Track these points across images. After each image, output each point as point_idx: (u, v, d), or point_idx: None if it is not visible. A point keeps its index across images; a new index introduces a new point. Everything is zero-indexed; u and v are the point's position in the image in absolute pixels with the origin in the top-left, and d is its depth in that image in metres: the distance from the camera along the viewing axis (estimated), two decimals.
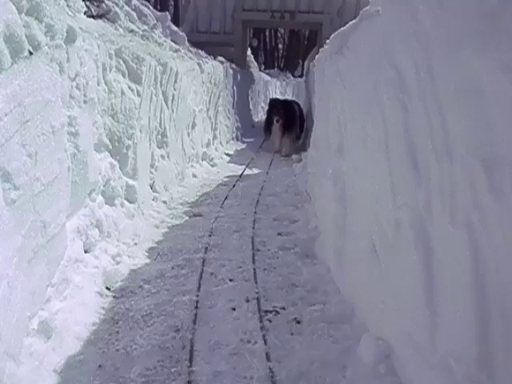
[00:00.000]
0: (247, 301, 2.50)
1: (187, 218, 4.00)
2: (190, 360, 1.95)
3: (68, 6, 3.12)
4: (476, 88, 1.42)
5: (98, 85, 2.90)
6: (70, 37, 2.20)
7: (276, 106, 8.07)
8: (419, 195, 1.78)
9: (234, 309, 2.42)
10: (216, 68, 7.22)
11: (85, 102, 2.51)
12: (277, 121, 7.69)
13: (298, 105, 8.71)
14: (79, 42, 2.39)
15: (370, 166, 2.32)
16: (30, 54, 1.79)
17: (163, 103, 4.37)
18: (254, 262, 3.05)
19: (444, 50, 1.62)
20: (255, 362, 1.97)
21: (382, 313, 2.01)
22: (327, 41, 4.13)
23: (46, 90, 1.91)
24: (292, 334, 2.20)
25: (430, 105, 1.70)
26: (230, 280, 2.77)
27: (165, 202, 4.25)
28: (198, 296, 2.52)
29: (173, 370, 1.88)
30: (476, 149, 1.43)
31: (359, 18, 2.76)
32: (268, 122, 8.15)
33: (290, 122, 7.81)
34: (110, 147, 3.21)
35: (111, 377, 1.81)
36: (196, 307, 2.40)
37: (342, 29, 3.29)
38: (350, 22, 3.09)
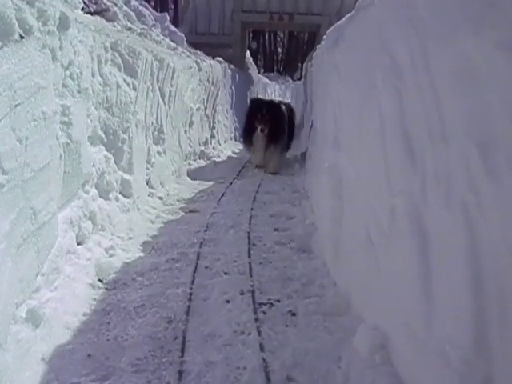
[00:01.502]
0: (242, 293, 2.47)
1: (183, 213, 3.97)
2: (182, 350, 1.92)
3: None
4: (471, 69, 1.40)
5: (93, 77, 2.87)
6: (63, 24, 2.17)
7: (260, 109, 5.95)
8: (414, 181, 1.75)
9: (228, 301, 2.38)
10: (214, 67, 7.21)
11: (78, 92, 2.49)
12: (261, 130, 5.77)
13: (289, 106, 6.87)
14: (73, 31, 2.36)
15: (366, 156, 2.30)
16: (21, 38, 1.76)
17: (160, 99, 4.35)
18: (249, 256, 3.02)
19: (439, 34, 1.61)
20: (248, 352, 1.94)
21: (378, 303, 1.99)
22: (324, 37, 4.13)
23: (38, 75, 1.88)
24: (287, 326, 2.17)
25: (426, 90, 1.69)
26: (225, 273, 2.74)
27: (161, 198, 4.23)
28: (191, 288, 2.49)
29: (164, 360, 1.85)
30: (471, 131, 1.40)
31: (355, 10, 2.75)
32: (248, 130, 6.10)
33: (277, 130, 5.90)
34: (105, 140, 3.18)
35: (101, 366, 1.78)
36: (189, 299, 2.37)
37: (339, 22, 3.28)
38: (347, 15, 3.08)
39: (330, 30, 3.66)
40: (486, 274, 1.34)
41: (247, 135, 6.17)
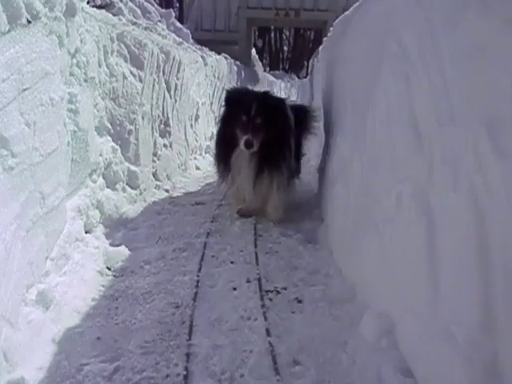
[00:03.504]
0: (248, 281, 2.48)
1: (189, 206, 3.99)
2: (190, 334, 1.94)
3: None
4: (479, 48, 1.39)
5: (100, 67, 2.89)
6: (70, 10, 2.19)
7: (244, 106, 3.11)
8: (421, 166, 1.75)
9: (234, 288, 2.40)
10: (220, 62, 7.22)
11: (85, 80, 2.51)
12: (247, 144, 3.04)
13: (301, 109, 3.78)
14: (79, 19, 2.38)
15: (372, 144, 2.30)
16: (29, 22, 1.78)
17: (166, 92, 4.37)
18: (255, 247, 3.03)
19: (447, 15, 1.60)
20: (255, 337, 1.95)
21: (384, 288, 1.99)
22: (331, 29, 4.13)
23: (45, 60, 1.90)
24: (293, 313, 2.18)
25: (434, 73, 1.68)
26: (232, 262, 2.75)
27: (167, 191, 4.25)
28: (198, 276, 2.51)
29: (172, 343, 1.86)
30: (479, 110, 1.40)
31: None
32: (223, 144, 3.34)
33: (278, 145, 3.20)
34: (112, 131, 3.20)
35: (109, 348, 1.80)
36: (196, 286, 2.39)
37: (346, 13, 3.28)
38: (354, 5, 3.08)
39: (337, 21, 3.65)
40: (494, 254, 1.34)
41: (221, 153, 3.33)
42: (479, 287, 1.36)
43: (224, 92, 3.39)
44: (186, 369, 1.70)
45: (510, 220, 1.27)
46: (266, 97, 3.27)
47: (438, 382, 1.53)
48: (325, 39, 4.69)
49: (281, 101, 3.34)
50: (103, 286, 2.32)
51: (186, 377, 1.66)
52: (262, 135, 3.11)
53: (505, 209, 1.29)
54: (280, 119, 3.22)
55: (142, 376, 1.65)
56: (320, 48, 5.21)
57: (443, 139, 1.61)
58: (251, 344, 1.89)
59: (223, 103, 3.41)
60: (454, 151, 1.53)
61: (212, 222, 3.53)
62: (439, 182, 1.63)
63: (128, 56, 3.42)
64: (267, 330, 2.00)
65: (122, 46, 3.34)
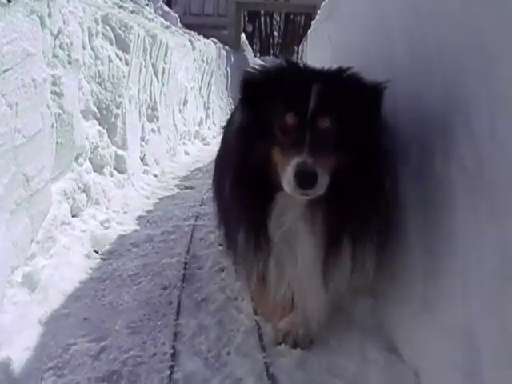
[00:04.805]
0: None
1: (178, 190, 3.99)
2: (177, 314, 1.95)
3: None
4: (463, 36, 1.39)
5: (84, 49, 2.86)
6: None
7: (291, 92, 1.34)
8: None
9: (222, 270, 2.41)
10: (208, 46, 7.15)
11: (69, 62, 2.47)
12: (302, 178, 1.23)
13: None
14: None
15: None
16: (9, 1, 1.75)
17: (153, 76, 4.33)
18: None
19: (433, 5, 1.60)
20: (242, 316, 1.96)
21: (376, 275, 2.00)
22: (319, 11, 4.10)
23: (26, 41, 1.87)
24: None
25: (419, 57, 1.68)
26: (220, 245, 2.75)
27: (156, 176, 4.24)
28: (186, 258, 2.52)
29: (159, 323, 1.87)
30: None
31: None
32: (245, 183, 1.44)
33: (365, 187, 1.40)
34: (98, 115, 3.18)
35: (96, 328, 1.80)
36: (184, 268, 2.40)
37: None
38: None
39: (323, 3, 3.63)
40: None
41: (245, 207, 1.51)
42: None
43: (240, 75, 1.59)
44: (173, 347, 1.71)
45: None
46: (343, 77, 1.50)
47: (424, 359, 1.55)
48: (313, 22, 4.66)
49: (377, 90, 1.48)
50: (90, 268, 2.32)
51: (172, 355, 1.67)
52: (335, 159, 1.38)
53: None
54: (373, 129, 1.49)
55: (129, 355, 1.65)
56: (308, 32, 5.18)
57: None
58: (238, 323, 1.90)
59: (239, 96, 1.54)
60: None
61: (201, 205, 3.53)
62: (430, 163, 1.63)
63: (113, 39, 3.38)
64: (254, 310, 2.01)
65: (107, 28, 3.30)
